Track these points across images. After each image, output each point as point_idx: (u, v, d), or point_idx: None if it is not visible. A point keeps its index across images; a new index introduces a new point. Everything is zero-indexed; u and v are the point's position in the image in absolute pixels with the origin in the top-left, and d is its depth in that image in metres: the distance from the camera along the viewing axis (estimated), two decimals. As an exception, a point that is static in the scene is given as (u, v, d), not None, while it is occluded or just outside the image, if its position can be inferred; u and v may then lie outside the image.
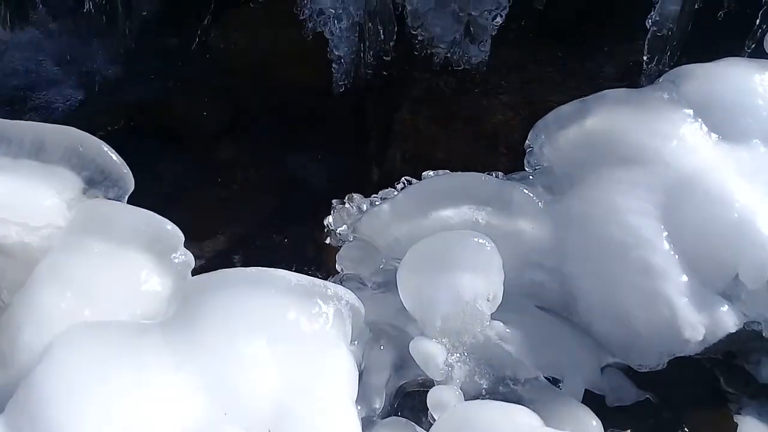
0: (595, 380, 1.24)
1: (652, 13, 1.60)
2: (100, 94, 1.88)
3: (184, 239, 1.13)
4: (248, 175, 1.73)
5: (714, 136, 1.27)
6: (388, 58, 1.77)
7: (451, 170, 1.43)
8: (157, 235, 1.11)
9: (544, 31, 1.90)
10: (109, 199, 1.19)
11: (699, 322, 1.15)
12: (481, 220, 1.27)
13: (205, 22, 1.92)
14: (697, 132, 1.27)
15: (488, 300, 1.17)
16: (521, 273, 1.25)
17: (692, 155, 1.24)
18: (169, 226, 1.13)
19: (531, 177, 1.33)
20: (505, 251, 1.21)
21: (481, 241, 1.20)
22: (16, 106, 1.85)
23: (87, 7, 1.94)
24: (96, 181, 1.19)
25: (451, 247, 1.19)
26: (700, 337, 1.16)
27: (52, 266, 1.08)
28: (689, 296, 1.15)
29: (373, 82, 1.80)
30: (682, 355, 1.20)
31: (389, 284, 1.28)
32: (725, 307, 1.17)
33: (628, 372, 1.25)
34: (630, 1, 1.85)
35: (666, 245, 1.17)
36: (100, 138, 1.21)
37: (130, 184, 1.21)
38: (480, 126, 1.70)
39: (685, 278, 1.16)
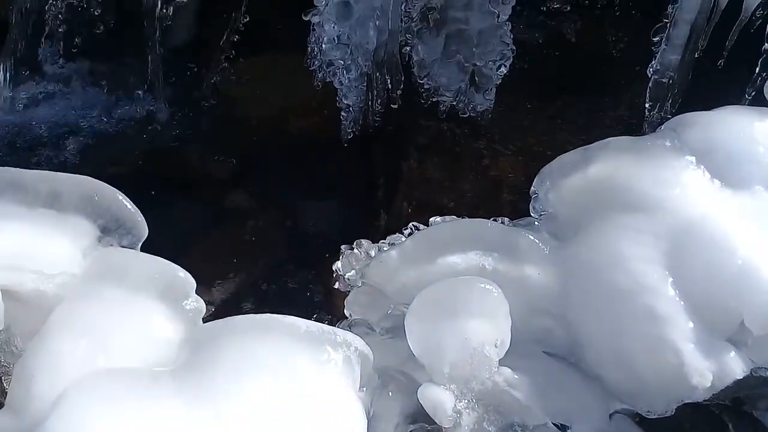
0: (603, 426, 1.23)
1: (653, 61, 1.63)
2: (112, 141, 1.92)
3: (195, 286, 1.15)
4: (258, 222, 1.76)
5: (717, 182, 1.29)
6: (396, 107, 1.81)
7: (458, 216, 1.46)
8: (170, 282, 1.13)
9: (547, 79, 1.95)
10: (122, 246, 1.22)
11: (706, 369, 1.15)
12: (488, 266, 1.29)
13: (217, 71, 1.98)
14: (700, 179, 1.29)
15: (496, 346, 1.18)
16: (529, 319, 1.25)
17: (695, 202, 1.26)
18: (182, 273, 1.15)
19: (537, 223, 1.35)
20: (512, 297, 1.22)
21: (488, 287, 1.21)
22: (30, 154, 1.90)
23: (99, 58, 2.01)
24: (110, 229, 1.22)
25: (459, 294, 1.20)
26: (708, 384, 1.16)
27: (66, 314, 1.10)
28: (696, 343, 1.16)
29: (380, 129, 1.84)
30: (690, 401, 1.20)
31: (397, 330, 1.29)
32: (732, 354, 1.17)
33: (637, 418, 1.25)
34: (632, 49, 1.91)
35: (671, 292, 1.18)
36: (112, 185, 1.24)
37: (144, 232, 1.24)
38: (485, 172, 1.73)
39: (691, 325, 1.17)
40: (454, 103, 1.81)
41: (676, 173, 1.29)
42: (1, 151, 1.88)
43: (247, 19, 1.87)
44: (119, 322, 1.08)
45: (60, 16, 1.92)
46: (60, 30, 1.95)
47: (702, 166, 1.30)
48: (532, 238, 1.30)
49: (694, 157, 1.30)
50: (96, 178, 1.24)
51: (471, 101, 1.80)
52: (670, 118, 1.45)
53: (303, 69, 1.76)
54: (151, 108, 1.95)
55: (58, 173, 1.25)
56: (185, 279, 1.14)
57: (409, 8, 1.68)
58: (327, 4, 1.60)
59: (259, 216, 1.77)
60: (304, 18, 1.66)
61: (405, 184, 1.76)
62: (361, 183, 1.83)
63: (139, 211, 1.23)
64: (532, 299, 1.26)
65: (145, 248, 1.22)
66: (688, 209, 1.25)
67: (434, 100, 1.82)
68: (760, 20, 1.59)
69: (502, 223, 1.37)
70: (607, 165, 1.33)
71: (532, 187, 1.38)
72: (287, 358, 1.04)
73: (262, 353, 1.04)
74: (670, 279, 1.19)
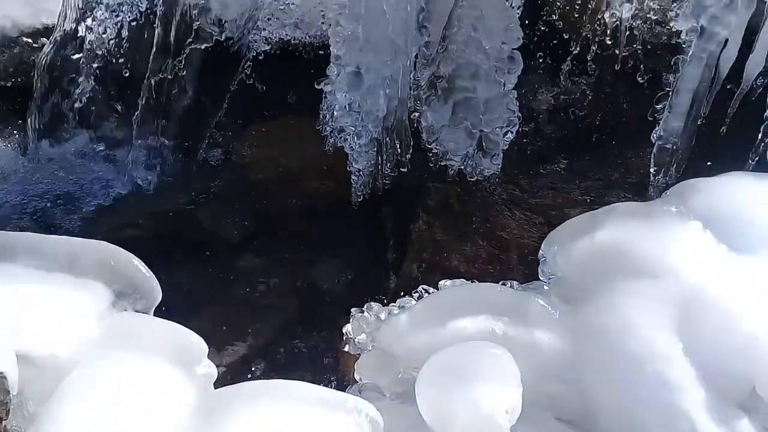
0: (616, 495, 1.22)
1: (657, 128, 1.67)
2: (127, 204, 1.96)
3: (207, 351, 1.17)
4: (269, 284, 1.78)
5: (723, 247, 1.30)
6: (405, 170, 1.85)
7: (467, 279, 1.47)
8: (183, 347, 1.14)
9: (553, 143, 1.99)
10: (137, 311, 1.23)
11: (719, 437, 1.15)
12: (498, 331, 1.29)
13: (231, 136, 2.03)
14: (707, 244, 1.30)
15: (507, 412, 1.17)
16: (539, 384, 1.25)
17: (703, 267, 1.26)
18: (194, 338, 1.16)
19: (546, 287, 1.36)
20: (522, 362, 1.22)
21: (498, 352, 1.21)
22: (47, 216, 1.93)
23: (114, 121, 2.07)
24: (125, 294, 1.24)
25: (469, 359, 1.20)
26: (722, 452, 1.15)
27: (79, 379, 1.10)
28: (708, 410, 1.15)
29: (390, 192, 1.87)
30: (704, 468, 1.18)
31: (408, 394, 1.28)
32: (744, 420, 1.16)
33: (651, 486, 1.23)
34: (637, 113, 1.95)
35: (682, 359, 1.18)
36: (128, 246, 1.27)
37: (158, 296, 1.25)
38: (494, 235, 1.75)
39: (703, 392, 1.16)
40: (462, 167, 1.84)
41: (683, 239, 1.30)
42: (17, 212, 1.92)
43: (263, 85, 1.94)
44: (132, 388, 1.08)
45: (80, 83, 1.99)
46: (79, 94, 2.02)
47: (708, 231, 1.31)
48: (541, 302, 1.31)
49: (700, 223, 1.32)
50: (111, 239, 1.27)
51: (479, 165, 1.83)
52: (675, 183, 1.47)
53: (315, 134, 1.81)
54: (166, 170, 2.00)
55: (76, 238, 1.28)
56: (198, 344, 1.15)
57: (418, 77, 1.74)
58: (339, 74, 1.66)
59: (270, 278, 1.79)
60: (316, 87, 1.72)
61: (414, 246, 1.78)
62: (371, 245, 1.85)
63: (153, 276, 1.25)
64: (543, 364, 1.26)
65: (157, 309, 1.24)
66: (696, 275, 1.25)
67: (443, 164, 1.86)
68: (761, 88, 1.63)
69: (511, 286, 1.38)
70: (615, 230, 1.34)
71: (540, 251, 1.39)
72: (299, 425, 1.04)
73: (273, 421, 1.04)
74: (680, 345, 1.19)
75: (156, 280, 1.25)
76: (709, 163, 1.66)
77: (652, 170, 1.70)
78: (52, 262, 1.22)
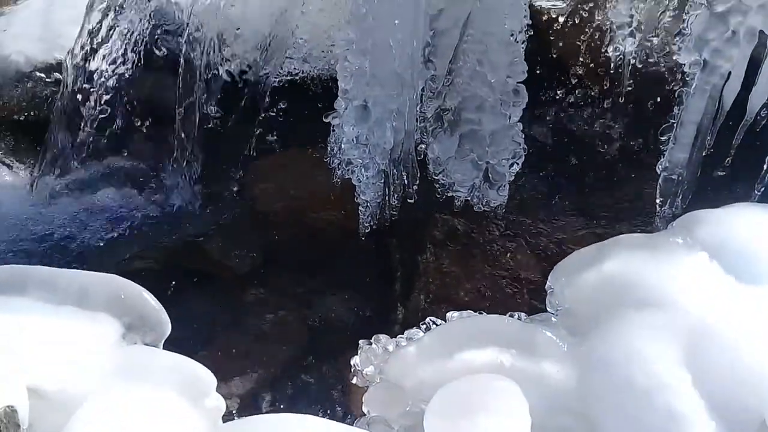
0: None
1: (662, 159, 1.68)
2: (137, 236, 1.98)
3: (216, 384, 1.17)
4: (277, 316, 1.78)
5: (731, 278, 1.30)
6: (412, 201, 1.86)
7: (474, 310, 1.48)
8: (191, 381, 1.15)
9: (559, 174, 2.00)
10: (146, 343, 1.24)
11: (729, 470, 1.14)
12: (506, 363, 1.29)
13: (240, 167, 2.05)
14: (714, 275, 1.30)
15: (516, 446, 1.17)
16: (548, 417, 1.24)
17: (710, 298, 1.27)
18: (203, 371, 1.17)
19: (554, 319, 1.36)
20: (531, 395, 1.22)
21: (506, 385, 1.21)
22: (56, 247, 1.95)
23: (125, 155, 2.10)
24: (135, 327, 1.25)
25: (477, 392, 1.20)
26: (732, 486, 1.14)
27: (89, 413, 1.10)
28: (717, 443, 1.15)
29: (397, 223, 1.88)
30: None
31: (416, 427, 1.28)
32: (755, 454, 1.15)
33: None
34: (642, 146, 1.96)
35: (691, 391, 1.17)
36: (136, 278, 1.28)
37: (167, 329, 1.26)
38: (501, 266, 1.76)
39: (713, 424, 1.15)
40: (469, 198, 1.85)
41: (690, 270, 1.30)
42: (27, 244, 1.94)
43: (271, 117, 1.97)
44: (141, 422, 1.09)
45: (95, 116, 2.02)
46: (93, 129, 2.05)
47: (715, 262, 1.31)
48: (549, 334, 1.31)
49: (706, 254, 1.32)
50: (121, 271, 1.29)
51: (485, 196, 1.84)
52: (681, 213, 1.48)
53: (323, 165, 1.83)
54: (176, 202, 2.02)
55: (86, 272, 1.29)
56: (206, 378, 1.16)
57: (425, 109, 1.76)
58: (347, 108, 1.68)
59: (278, 309, 1.80)
60: (324, 120, 1.74)
61: (421, 277, 1.78)
62: (379, 276, 1.86)
63: (163, 309, 1.26)
64: (551, 397, 1.26)
65: (166, 341, 1.25)
66: (704, 306, 1.25)
67: (449, 194, 1.87)
68: (765, 120, 1.64)
69: (519, 318, 1.39)
70: (621, 261, 1.35)
71: (547, 282, 1.40)
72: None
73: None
74: (689, 377, 1.18)
75: (165, 313, 1.26)
76: (714, 194, 1.67)
77: (658, 201, 1.70)
78: (62, 295, 1.24)
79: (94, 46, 1.95)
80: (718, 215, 1.38)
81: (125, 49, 1.92)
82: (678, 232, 1.37)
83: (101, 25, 1.95)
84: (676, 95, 1.60)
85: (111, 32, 1.95)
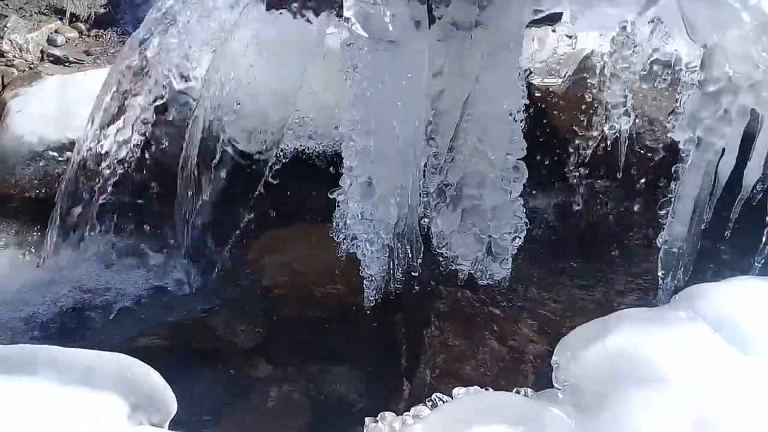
0: None
1: (662, 232, 1.70)
2: (142, 312, 1.99)
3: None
4: (282, 392, 1.77)
5: (735, 351, 1.31)
6: (416, 274, 1.87)
7: (480, 385, 1.47)
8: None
9: (562, 247, 2.02)
10: (152, 423, 1.24)
11: None
12: (514, 441, 1.28)
13: (245, 242, 2.08)
14: (718, 349, 1.31)
15: None
16: (557, 496, 1.23)
17: (715, 371, 1.27)
18: (208, 453, 1.16)
19: (560, 395, 1.35)
20: (539, 473, 1.21)
21: (514, 463, 1.20)
22: (62, 323, 1.96)
23: (130, 230, 2.13)
24: (141, 406, 1.24)
25: (486, 471, 1.19)
26: None
27: (94, 496, 1.10)
28: None
29: (402, 296, 1.89)
30: None
31: None
32: None
33: None
34: (641, 220, 1.99)
35: (698, 471, 1.16)
36: (141, 355, 1.28)
37: (173, 409, 1.26)
38: (506, 340, 1.75)
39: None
40: (472, 271, 1.87)
41: (694, 344, 1.31)
42: (32, 319, 1.95)
43: (276, 192, 2.00)
44: (147, 506, 1.08)
45: (101, 193, 2.06)
46: (99, 205, 2.09)
47: (718, 335, 1.33)
48: (556, 411, 1.30)
49: (709, 327, 1.33)
50: (127, 348, 1.31)
51: (488, 270, 1.86)
52: (683, 286, 1.49)
53: (328, 240, 1.85)
54: (181, 278, 2.04)
55: (92, 351, 1.30)
56: (212, 459, 1.15)
57: (427, 185, 1.79)
58: (351, 184, 1.72)
59: (283, 385, 1.79)
60: (330, 196, 1.78)
61: (427, 351, 1.77)
62: (384, 350, 1.85)
63: (169, 388, 1.26)
64: (560, 475, 1.24)
65: (171, 421, 1.24)
66: (709, 381, 1.26)
67: (453, 268, 1.89)
68: (761, 194, 1.68)
69: (525, 394, 1.38)
70: (625, 336, 1.35)
71: (553, 357, 1.40)
72: None
73: None
74: (696, 457, 1.18)
75: (171, 392, 1.26)
76: (716, 266, 1.69)
77: (660, 274, 1.72)
78: (69, 374, 1.24)
79: (104, 126, 2.01)
80: (720, 289, 1.40)
81: (133, 130, 1.98)
82: (680, 305, 1.39)
83: (111, 107, 2.01)
84: (672, 171, 1.64)
85: (120, 114, 2.01)
